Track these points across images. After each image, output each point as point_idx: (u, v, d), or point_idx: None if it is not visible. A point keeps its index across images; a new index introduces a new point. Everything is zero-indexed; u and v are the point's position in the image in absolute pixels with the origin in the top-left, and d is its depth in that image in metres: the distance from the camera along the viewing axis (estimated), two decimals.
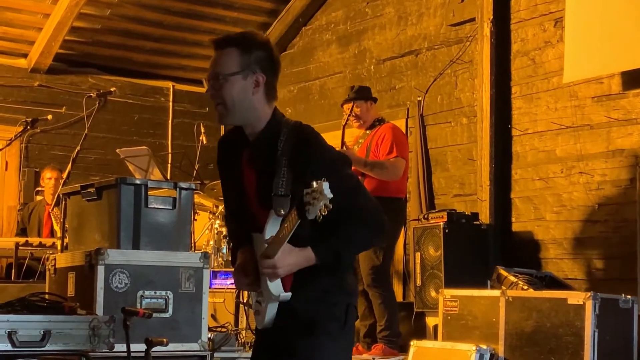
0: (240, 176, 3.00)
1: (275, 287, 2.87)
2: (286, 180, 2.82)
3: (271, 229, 2.84)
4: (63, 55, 9.27)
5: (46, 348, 4.13)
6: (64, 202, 5.58)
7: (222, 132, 11.21)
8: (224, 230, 7.17)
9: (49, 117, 7.91)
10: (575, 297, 5.11)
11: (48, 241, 7.21)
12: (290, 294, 2.87)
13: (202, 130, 8.33)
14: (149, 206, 4.86)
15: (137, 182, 4.95)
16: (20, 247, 6.94)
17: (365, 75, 8.58)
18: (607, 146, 6.40)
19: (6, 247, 7.08)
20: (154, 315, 4.38)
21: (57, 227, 7.56)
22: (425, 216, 6.84)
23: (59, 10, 8.54)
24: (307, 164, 2.82)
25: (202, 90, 10.34)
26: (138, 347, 4.02)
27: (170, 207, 4.95)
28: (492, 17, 7.14)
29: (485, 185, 7.04)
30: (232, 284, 6.32)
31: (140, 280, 4.70)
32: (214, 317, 6.51)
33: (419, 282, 6.65)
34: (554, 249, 6.72)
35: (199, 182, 7.36)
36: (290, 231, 2.75)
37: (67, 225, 5.50)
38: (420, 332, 6.53)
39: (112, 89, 7.10)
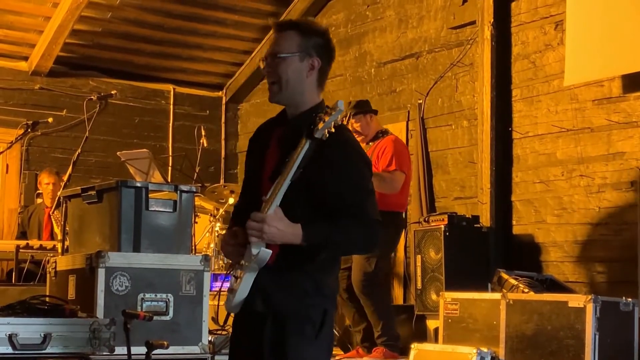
0: (265, 151, 3.04)
1: (257, 246, 2.83)
2: (305, 158, 2.84)
3: (276, 204, 2.84)
4: (64, 58, 9.28)
5: (47, 351, 4.14)
6: (64, 204, 5.58)
7: (224, 135, 11.21)
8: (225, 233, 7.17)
9: (50, 119, 7.91)
10: (576, 300, 5.11)
11: (49, 244, 7.20)
12: (270, 251, 2.83)
13: (203, 133, 8.33)
14: (150, 209, 4.86)
15: (138, 184, 4.95)
16: (20, 250, 6.94)
17: (365, 78, 8.58)
18: (607, 149, 6.40)
19: (7, 250, 7.08)
20: (155, 318, 4.37)
21: (57, 230, 7.56)
22: (426, 219, 6.84)
23: (60, 13, 8.55)
24: (333, 148, 2.87)
25: (203, 93, 10.36)
26: (138, 350, 4.02)
27: (171, 210, 4.94)
28: (492, 20, 7.15)
29: (486, 188, 7.04)
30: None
31: (141, 283, 4.70)
32: (214, 319, 6.51)
33: (419, 285, 6.65)
34: (554, 251, 6.72)
35: (200, 184, 7.35)
36: (292, 168, 2.79)
37: (67, 228, 5.50)
38: (421, 335, 6.52)
39: (112, 92, 7.10)
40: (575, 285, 6.41)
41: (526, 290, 5.69)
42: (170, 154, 9.78)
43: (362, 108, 6.45)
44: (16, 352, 4.07)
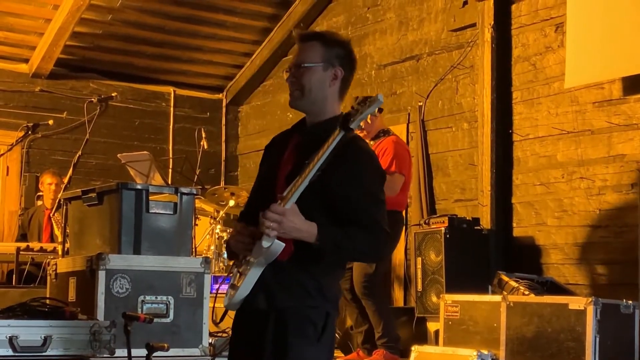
0: (280, 157, 3.05)
1: (269, 239, 2.80)
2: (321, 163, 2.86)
3: (295, 198, 2.83)
4: (64, 60, 9.28)
5: (47, 353, 4.14)
6: (65, 207, 5.58)
7: (224, 137, 11.20)
8: (225, 235, 7.17)
9: (50, 122, 7.90)
10: (576, 303, 5.11)
11: (49, 246, 7.21)
12: (284, 244, 2.81)
13: (203, 135, 8.33)
14: (150, 211, 4.86)
15: (138, 187, 4.95)
16: (21, 252, 6.95)
17: (366, 81, 8.58)
18: (608, 151, 6.40)
19: (7, 252, 7.09)
20: (155, 320, 4.37)
21: (58, 232, 7.56)
22: (427, 221, 6.84)
23: (60, 16, 8.56)
24: (348, 155, 2.90)
25: (204, 95, 10.37)
26: (139, 353, 4.01)
27: (171, 212, 4.95)
28: (493, 23, 7.15)
29: (487, 191, 7.04)
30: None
31: (141, 285, 4.70)
32: (215, 322, 6.51)
33: (420, 287, 6.65)
34: (555, 254, 6.72)
35: (200, 187, 7.35)
36: (319, 160, 2.80)
37: (68, 230, 5.50)
38: (422, 337, 6.52)
39: (113, 94, 7.10)
40: (575, 287, 6.40)
41: (526, 292, 5.69)
42: (171, 156, 9.78)
43: None
44: (16, 354, 4.08)
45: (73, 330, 4.24)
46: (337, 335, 6.67)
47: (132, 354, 3.95)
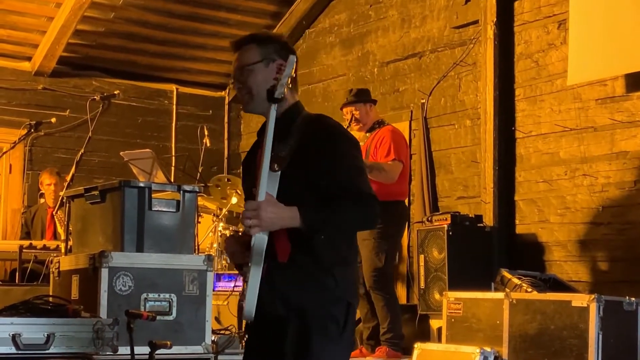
0: (255, 166, 3.03)
1: (259, 238, 2.79)
2: (290, 147, 2.89)
3: (264, 188, 2.82)
4: (67, 58, 9.28)
5: (50, 351, 4.15)
6: (67, 204, 5.58)
7: (226, 135, 11.20)
8: (228, 232, 7.18)
9: (53, 120, 7.92)
10: (579, 300, 5.10)
11: (52, 244, 7.21)
12: (266, 237, 2.79)
13: (206, 133, 8.33)
14: (153, 209, 4.87)
15: (141, 184, 4.95)
16: (24, 250, 6.95)
17: (368, 78, 8.58)
18: (611, 148, 6.40)
19: (10, 250, 7.09)
20: (158, 318, 4.38)
21: (60, 230, 7.57)
22: (429, 218, 6.84)
23: (63, 14, 8.56)
24: (316, 133, 2.92)
25: (206, 92, 10.36)
26: (142, 350, 4.02)
27: (174, 210, 4.95)
28: (495, 20, 7.14)
29: (489, 188, 7.04)
30: (236, 286, 6.31)
31: (144, 283, 4.70)
32: (217, 319, 6.51)
33: (422, 285, 6.65)
34: (557, 251, 6.71)
35: (203, 184, 7.35)
36: (267, 144, 2.80)
37: (70, 228, 5.51)
38: (424, 334, 6.53)
39: (115, 92, 7.11)
40: (578, 284, 6.40)
41: (529, 289, 5.69)
42: (173, 154, 9.79)
43: (362, 97, 6.52)
44: (19, 352, 4.08)
45: (76, 328, 4.24)
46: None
47: (135, 352, 3.96)
